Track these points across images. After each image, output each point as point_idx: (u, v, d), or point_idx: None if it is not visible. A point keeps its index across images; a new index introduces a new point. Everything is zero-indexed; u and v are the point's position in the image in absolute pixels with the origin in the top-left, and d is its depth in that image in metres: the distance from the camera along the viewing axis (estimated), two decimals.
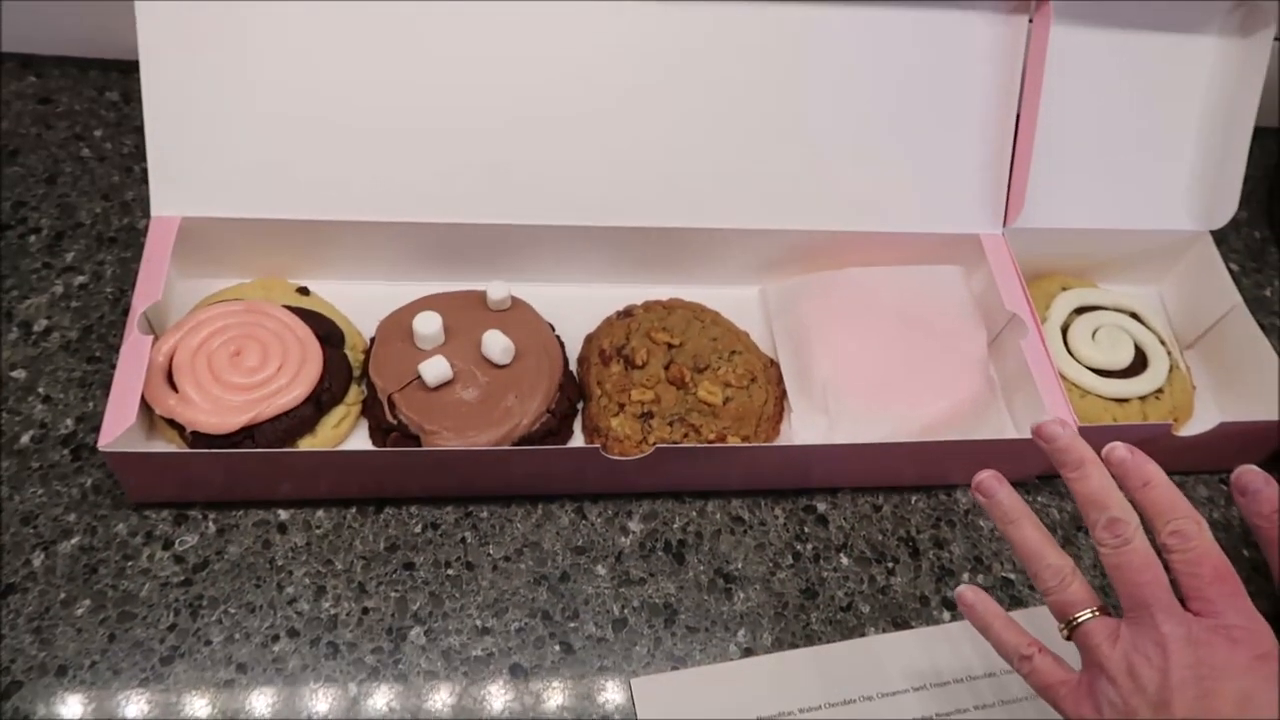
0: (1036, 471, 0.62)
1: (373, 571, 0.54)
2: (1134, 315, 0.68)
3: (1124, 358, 0.65)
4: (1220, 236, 0.70)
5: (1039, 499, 0.62)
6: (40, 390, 0.58)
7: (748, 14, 0.61)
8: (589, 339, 0.64)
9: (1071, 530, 0.61)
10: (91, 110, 0.72)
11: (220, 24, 0.57)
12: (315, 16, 0.57)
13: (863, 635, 0.55)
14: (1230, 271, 0.68)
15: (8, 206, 0.65)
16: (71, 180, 0.68)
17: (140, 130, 0.70)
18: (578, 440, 0.60)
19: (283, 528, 0.55)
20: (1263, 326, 0.65)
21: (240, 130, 0.58)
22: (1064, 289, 0.69)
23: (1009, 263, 0.65)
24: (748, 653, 0.54)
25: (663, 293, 0.66)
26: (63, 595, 0.51)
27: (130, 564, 0.52)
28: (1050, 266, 0.71)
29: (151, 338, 0.54)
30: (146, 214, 0.64)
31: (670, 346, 0.62)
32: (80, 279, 0.63)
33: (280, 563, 0.53)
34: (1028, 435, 0.59)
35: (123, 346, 0.53)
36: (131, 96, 0.73)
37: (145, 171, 0.67)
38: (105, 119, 0.71)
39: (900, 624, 0.56)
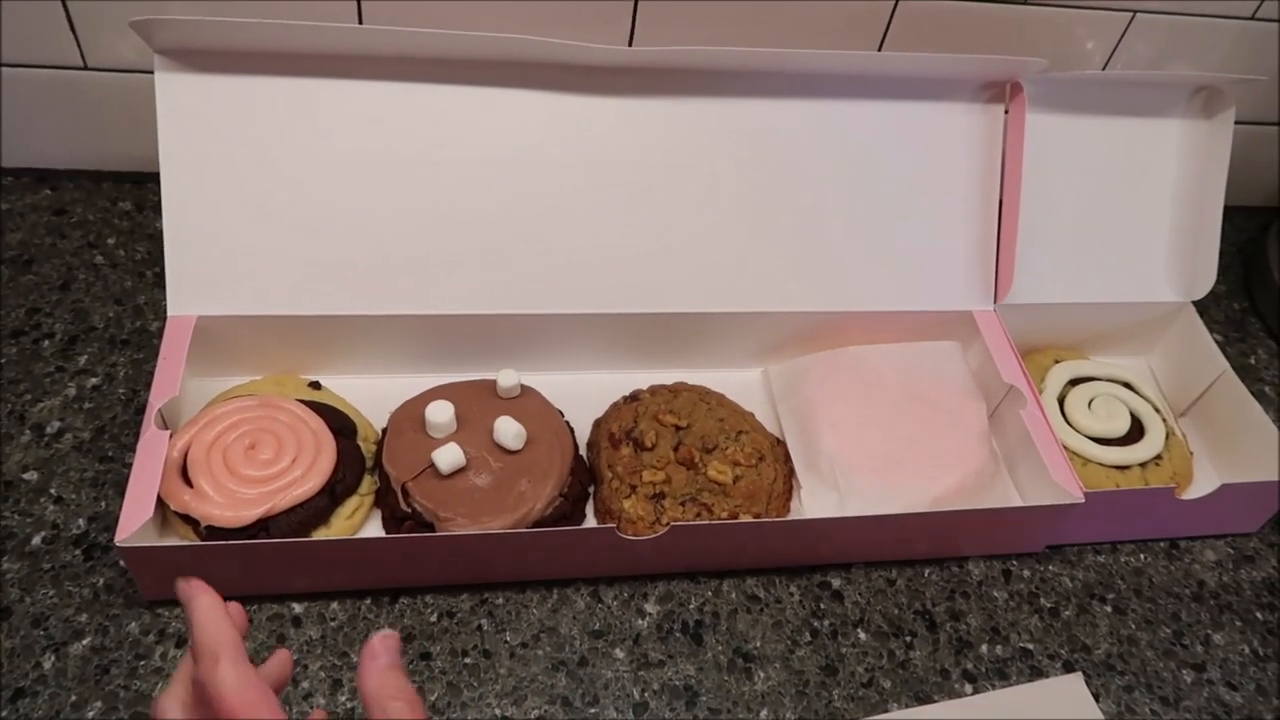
0: (1046, 541, 0.63)
1: None
2: (1127, 385, 0.70)
3: (1121, 426, 0.67)
4: (1202, 308, 0.72)
5: (1050, 568, 0.62)
6: (52, 491, 0.58)
7: (744, 109, 0.64)
8: (598, 423, 0.64)
9: (1085, 598, 0.61)
10: (105, 219, 0.74)
11: (235, 131, 0.59)
12: (325, 122, 0.60)
13: (886, 711, 0.54)
14: (1215, 342, 0.70)
15: (21, 313, 0.67)
16: (85, 286, 0.69)
17: (152, 237, 0.73)
18: (590, 524, 0.60)
19: (297, 621, 0.54)
20: (1251, 393, 0.67)
21: (254, 232, 0.60)
22: (1057, 361, 0.71)
23: (1003, 337, 0.67)
24: None
25: (667, 377, 0.68)
26: (74, 698, 0.50)
27: (143, 663, 0.52)
28: (1042, 340, 0.73)
29: (168, 434, 0.54)
30: (159, 316, 0.66)
31: (678, 428, 0.63)
32: (93, 381, 0.64)
33: (295, 657, 0.53)
34: (1034, 504, 0.61)
35: (140, 442, 0.53)
36: (144, 205, 0.75)
37: (158, 276, 0.69)
38: (118, 227, 0.73)
39: (923, 698, 0.55)
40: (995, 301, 0.69)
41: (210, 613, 0.36)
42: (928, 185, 0.68)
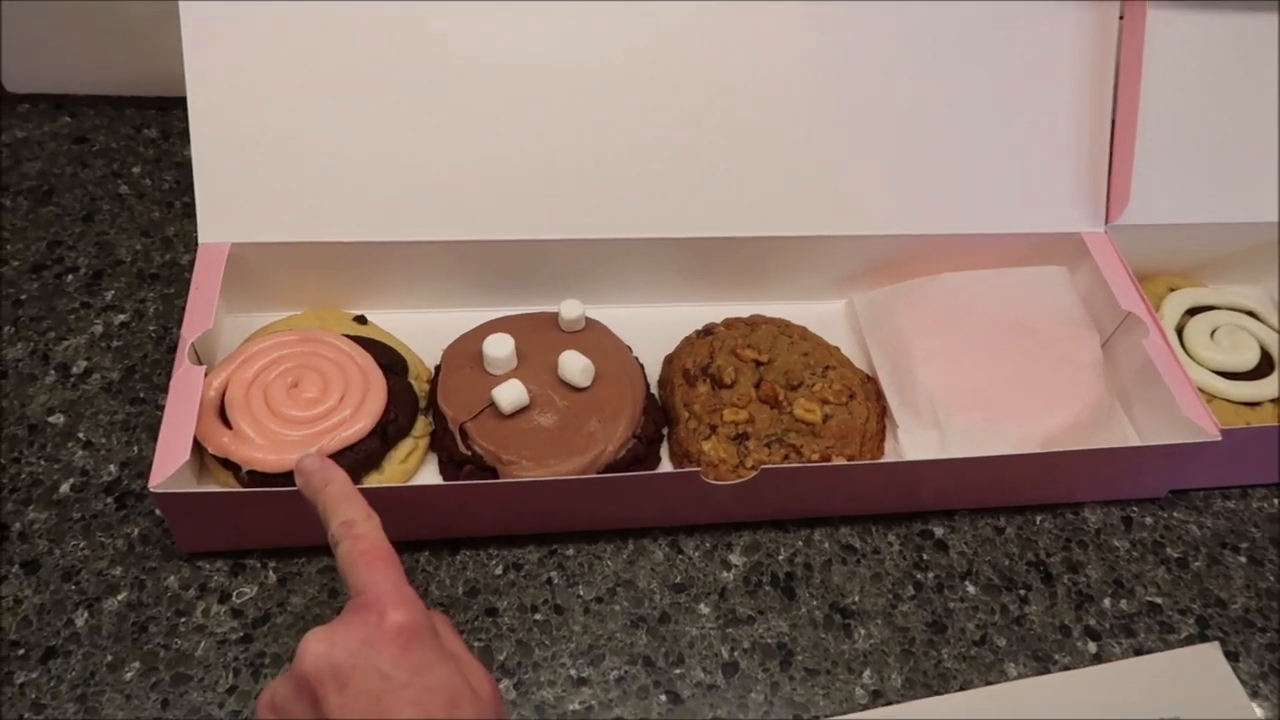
0: (1169, 485, 0.57)
1: (452, 619, 0.48)
2: (1251, 314, 0.63)
3: (1249, 359, 0.60)
4: None
5: (1175, 514, 0.56)
6: (80, 435, 0.53)
7: (828, 10, 0.57)
8: (669, 360, 0.59)
9: (1215, 548, 0.55)
10: (129, 147, 0.68)
11: (267, 45, 0.53)
12: (366, 33, 0.54)
13: (1002, 671, 0.49)
14: None
15: (42, 246, 0.62)
16: (110, 218, 0.64)
17: (180, 165, 0.68)
18: (665, 468, 0.55)
19: None
20: None
21: (290, 153, 0.55)
22: (1171, 290, 0.64)
23: (1117, 260, 0.60)
24: (876, 695, 0.47)
25: (741, 310, 0.62)
26: (109, 658, 0.46)
27: (184, 620, 0.47)
28: (1153, 267, 0.66)
29: (203, 369, 0.49)
30: (189, 249, 0.61)
31: (758, 364, 0.57)
32: (121, 317, 0.59)
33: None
34: (1153, 443, 0.55)
35: (173, 379, 0.48)
36: (170, 132, 0.70)
37: (187, 206, 0.64)
38: (143, 155, 0.68)
39: (1042, 657, 0.50)
40: (1107, 222, 0.62)
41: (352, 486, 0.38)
42: (1031, 92, 0.61)
